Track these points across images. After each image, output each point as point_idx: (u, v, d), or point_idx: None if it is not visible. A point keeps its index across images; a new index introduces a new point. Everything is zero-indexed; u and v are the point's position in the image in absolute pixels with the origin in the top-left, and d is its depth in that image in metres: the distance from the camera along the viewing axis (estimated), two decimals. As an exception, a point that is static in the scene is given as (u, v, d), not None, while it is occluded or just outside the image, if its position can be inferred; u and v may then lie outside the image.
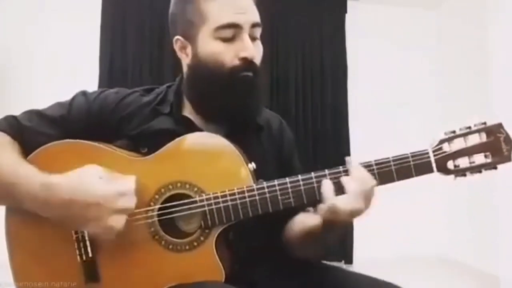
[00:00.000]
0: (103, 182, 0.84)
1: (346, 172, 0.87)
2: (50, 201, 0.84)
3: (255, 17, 0.96)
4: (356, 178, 0.85)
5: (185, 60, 1.00)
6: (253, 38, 0.95)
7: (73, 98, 1.00)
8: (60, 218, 0.86)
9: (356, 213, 0.85)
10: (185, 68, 1.02)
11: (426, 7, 3.72)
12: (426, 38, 3.73)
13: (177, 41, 0.99)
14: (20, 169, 0.88)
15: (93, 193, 0.83)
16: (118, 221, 0.83)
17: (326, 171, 0.87)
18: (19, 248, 0.94)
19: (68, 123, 0.96)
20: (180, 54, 1.01)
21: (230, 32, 0.92)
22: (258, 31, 0.97)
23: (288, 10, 3.42)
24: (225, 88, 0.94)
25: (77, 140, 0.93)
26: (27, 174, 0.87)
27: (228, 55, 0.93)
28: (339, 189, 0.85)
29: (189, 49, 0.98)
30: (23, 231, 0.92)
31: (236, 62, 0.93)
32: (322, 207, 0.86)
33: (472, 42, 3.26)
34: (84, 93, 1.02)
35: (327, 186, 0.85)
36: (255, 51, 0.94)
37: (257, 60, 0.96)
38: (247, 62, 0.93)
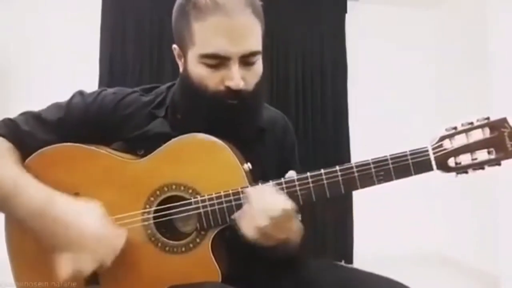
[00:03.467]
0: (101, 224, 0.85)
1: (345, 172, 0.85)
2: (46, 213, 0.85)
3: (249, 46, 0.88)
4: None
5: (180, 69, 0.98)
6: (246, 64, 0.89)
7: (71, 99, 1.00)
8: (45, 235, 0.86)
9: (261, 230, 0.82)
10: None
11: (426, 7, 3.71)
12: (426, 38, 3.72)
13: (175, 49, 0.98)
14: (21, 178, 0.88)
15: (87, 227, 0.84)
16: (87, 266, 0.83)
17: (322, 171, 0.86)
18: (19, 248, 0.94)
19: (65, 126, 0.96)
20: (177, 61, 0.99)
21: (215, 60, 0.87)
22: (255, 58, 0.90)
23: (288, 10, 3.42)
24: (207, 110, 0.91)
25: (73, 144, 0.93)
26: (29, 184, 0.87)
27: (213, 80, 0.89)
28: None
29: (183, 60, 0.96)
30: (23, 231, 0.92)
31: (221, 87, 0.89)
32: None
33: (472, 42, 3.25)
34: (81, 93, 1.01)
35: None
36: (241, 81, 0.88)
37: (248, 86, 0.90)
38: (232, 91, 0.88)
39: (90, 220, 0.85)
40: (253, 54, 0.89)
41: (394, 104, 3.59)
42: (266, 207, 0.82)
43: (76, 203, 0.87)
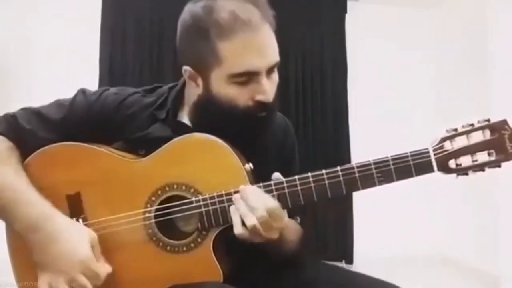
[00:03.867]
0: (90, 250, 0.84)
1: (346, 172, 0.85)
2: (41, 229, 0.85)
3: (274, 57, 0.90)
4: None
5: (195, 90, 0.95)
6: (270, 73, 0.90)
7: (74, 98, 0.99)
8: (34, 251, 0.86)
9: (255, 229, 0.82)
10: (193, 93, 0.97)
11: (426, 7, 3.71)
12: (426, 38, 3.72)
13: (186, 71, 0.94)
14: (19, 190, 0.88)
15: (75, 249, 0.83)
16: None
17: (323, 171, 0.86)
18: (20, 248, 0.94)
19: (68, 125, 0.96)
20: (188, 81, 0.96)
21: (245, 78, 0.88)
22: (276, 67, 0.92)
23: (288, 10, 3.41)
24: (237, 126, 0.90)
25: (75, 143, 0.93)
26: (27, 197, 0.87)
27: (243, 97, 0.89)
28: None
29: (199, 81, 0.93)
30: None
31: (250, 103, 0.89)
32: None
33: (472, 42, 3.25)
34: (83, 91, 1.01)
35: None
36: (271, 93, 0.90)
37: (272, 97, 0.91)
38: (262, 104, 0.89)
39: (83, 243, 0.84)
40: (277, 64, 0.91)
41: (394, 104, 3.59)
42: (253, 207, 0.82)
43: (73, 223, 0.87)
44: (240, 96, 0.89)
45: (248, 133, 0.92)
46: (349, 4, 3.58)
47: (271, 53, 0.89)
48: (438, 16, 3.71)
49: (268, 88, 0.88)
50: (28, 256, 0.93)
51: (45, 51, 3.21)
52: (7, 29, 3.19)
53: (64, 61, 3.18)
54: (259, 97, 0.89)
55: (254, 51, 0.86)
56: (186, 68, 0.94)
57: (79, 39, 3.21)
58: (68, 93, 1.02)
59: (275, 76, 0.93)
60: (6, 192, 0.87)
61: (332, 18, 3.56)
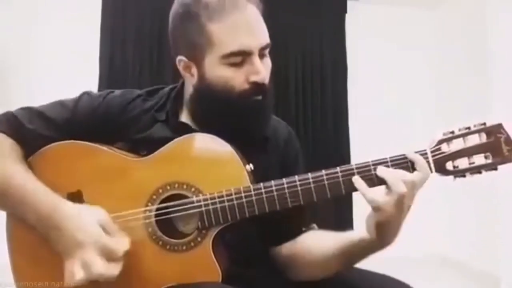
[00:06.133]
0: (98, 228, 0.84)
1: (345, 173, 0.85)
2: (50, 220, 0.85)
3: (265, 38, 0.91)
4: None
5: (190, 80, 0.96)
6: (262, 56, 0.91)
7: (78, 100, 0.99)
8: (52, 241, 0.86)
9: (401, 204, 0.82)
10: (189, 87, 0.98)
11: (426, 7, 3.72)
12: (426, 38, 3.72)
13: (181, 61, 0.95)
14: (29, 184, 0.88)
15: (81, 232, 0.83)
16: (77, 272, 0.81)
17: (323, 172, 0.86)
18: (19, 248, 0.94)
19: (71, 126, 0.96)
20: (184, 73, 0.97)
21: (239, 58, 0.88)
22: (267, 49, 0.93)
23: (288, 10, 3.42)
24: (235, 112, 0.91)
25: (77, 141, 0.94)
26: (36, 190, 0.87)
27: (238, 79, 0.89)
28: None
29: (194, 70, 0.94)
30: (24, 232, 0.92)
31: (246, 86, 0.90)
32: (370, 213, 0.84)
33: (472, 42, 3.25)
34: (88, 94, 1.01)
35: (359, 183, 0.83)
36: (265, 73, 0.90)
37: (267, 80, 0.92)
38: (258, 86, 0.90)
39: (89, 224, 0.84)
40: (268, 45, 0.92)
41: (394, 104, 3.59)
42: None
43: (79, 208, 0.87)
44: (234, 78, 0.89)
45: (246, 120, 0.92)
46: (349, 4, 3.58)
47: (261, 33, 0.91)
48: (438, 16, 3.71)
49: (262, 69, 0.89)
50: (28, 255, 0.93)
51: (45, 51, 3.21)
52: (7, 29, 3.19)
53: (64, 61, 3.18)
54: (254, 78, 0.89)
55: (244, 30, 0.87)
56: (180, 59, 0.95)
57: (79, 39, 3.21)
58: (68, 93, 1.02)
59: (268, 60, 0.94)
60: (15, 186, 0.87)
61: (332, 18, 3.56)
